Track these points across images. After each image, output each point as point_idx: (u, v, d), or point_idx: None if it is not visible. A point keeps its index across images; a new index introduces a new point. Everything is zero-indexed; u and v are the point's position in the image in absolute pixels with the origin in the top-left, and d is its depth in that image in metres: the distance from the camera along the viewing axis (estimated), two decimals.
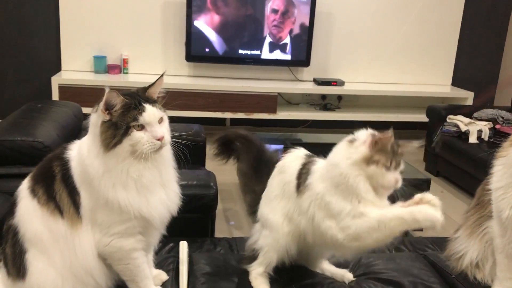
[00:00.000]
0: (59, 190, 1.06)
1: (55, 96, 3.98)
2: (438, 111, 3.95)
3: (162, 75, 1.12)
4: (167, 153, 1.11)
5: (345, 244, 1.09)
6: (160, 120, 1.07)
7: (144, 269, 1.09)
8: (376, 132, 1.22)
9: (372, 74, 4.86)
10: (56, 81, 4.00)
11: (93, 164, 1.02)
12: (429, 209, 1.07)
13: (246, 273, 1.22)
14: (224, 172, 3.58)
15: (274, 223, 1.22)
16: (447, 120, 3.77)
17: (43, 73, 4.25)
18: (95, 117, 1.04)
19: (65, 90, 3.97)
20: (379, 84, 4.82)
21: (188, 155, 2.66)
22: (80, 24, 4.27)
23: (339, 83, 4.60)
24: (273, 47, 4.53)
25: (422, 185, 2.80)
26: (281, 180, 1.26)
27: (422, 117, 4.28)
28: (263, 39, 4.49)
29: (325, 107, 4.70)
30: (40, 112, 2.27)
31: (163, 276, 1.18)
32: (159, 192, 1.08)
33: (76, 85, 4.00)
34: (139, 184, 1.03)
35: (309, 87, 4.58)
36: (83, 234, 1.04)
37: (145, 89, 1.10)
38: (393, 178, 1.13)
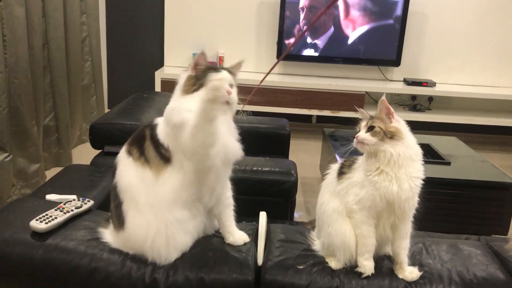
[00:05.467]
0: (148, 147, 1.29)
1: (158, 88, 4.37)
2: None
3: (241, 61, 1.36)
4: (231, 113, 1.30)
5: None
6: (231, 86, 1.28)
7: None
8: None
9: (466, 76, 4.71)
10: (159, 75, 4.40)
11: (169, 105, 1.28)
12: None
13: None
14: (307, 166, 3.73)
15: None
16: None
17: (148, 68, 4.69)
18: (184, 74, 1.28)
19: (166, 83, 4.35)
20: (473, 86, 4.66)
21: (273, 145, 2.83)
22: (182, 25, 4.64)
23: (430, 84, 4.53)
24: (362, 46, 4.57)
25: (509, 190, 2.74)
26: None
27: None
28: (353, 38, 4.55)
29: (415, 108, 4.65)
30: (145, 101, 2.58)
31: (246, 238, 1.34)
32: (227, 134, 1.27)
33: (176, 79, 4.36)
34: None
35: (399, 87, 4.56)
36: (163, 180, 1.26)
37: (230, 66, 1.35)
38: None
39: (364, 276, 1.22)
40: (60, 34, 3.47)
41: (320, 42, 4.56)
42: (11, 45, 2.82)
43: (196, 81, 1.25)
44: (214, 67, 1.29)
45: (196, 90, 1.24)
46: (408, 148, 1.25)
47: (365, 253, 1.26)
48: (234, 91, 1.28)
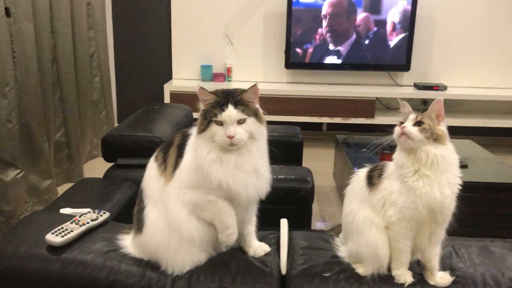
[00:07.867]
0: (171, 153, 1.25)
1: (167, 101, 4.36)
2: None
3: (255, 84, 1.19)
4: (257, 147, 1.20)
5: None
6: (241, 121, 1.15)
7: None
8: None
9: (477, 79, 4.65)
10: (168, 88, 4.40)
11: (193, 138, 1.22)
12: None
13: None
14: (320, 175, 3.67)
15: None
16: None
17: (156, 81, 4.68)
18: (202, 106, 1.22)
19: (175, 96, 4.34)
20: (485, 89, 4.60)
21: (286, 153, 2.79)
22: (189, 37, 4.64)
23: (441, 87, 4.48)
24: (371, 52, 4.54)
25: None
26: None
27: None
28: (361, 44, 4.52)
29: None
30: (156, 113, 2.55)
31: (266, 248, 1.28)
32: (247, 175, 1.17)
33: (185, 92, 4.35)
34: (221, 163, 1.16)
35: (409, 92, 4.51)
36: (169, 191, 1.21)
37: (241, 92, 1.19)
38: None
39: (407, 285, 1.17)
40: (69, 49, 3.47)
41: (343, 49, 4.53)
42: (20, 61, 2.82)
43: (204, 120, 1.17)
44: (220, 100, 1.17)
45: (204, 129, 1.16)
46: (450, 153, 1.19)
47: (400, 268, 1.20)
48: (243, 128, 1.15)
